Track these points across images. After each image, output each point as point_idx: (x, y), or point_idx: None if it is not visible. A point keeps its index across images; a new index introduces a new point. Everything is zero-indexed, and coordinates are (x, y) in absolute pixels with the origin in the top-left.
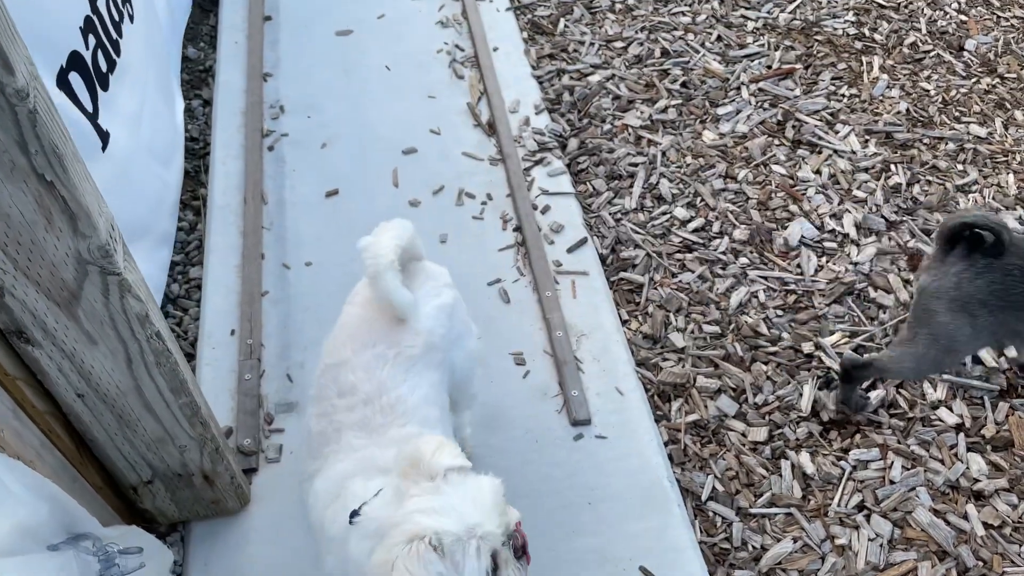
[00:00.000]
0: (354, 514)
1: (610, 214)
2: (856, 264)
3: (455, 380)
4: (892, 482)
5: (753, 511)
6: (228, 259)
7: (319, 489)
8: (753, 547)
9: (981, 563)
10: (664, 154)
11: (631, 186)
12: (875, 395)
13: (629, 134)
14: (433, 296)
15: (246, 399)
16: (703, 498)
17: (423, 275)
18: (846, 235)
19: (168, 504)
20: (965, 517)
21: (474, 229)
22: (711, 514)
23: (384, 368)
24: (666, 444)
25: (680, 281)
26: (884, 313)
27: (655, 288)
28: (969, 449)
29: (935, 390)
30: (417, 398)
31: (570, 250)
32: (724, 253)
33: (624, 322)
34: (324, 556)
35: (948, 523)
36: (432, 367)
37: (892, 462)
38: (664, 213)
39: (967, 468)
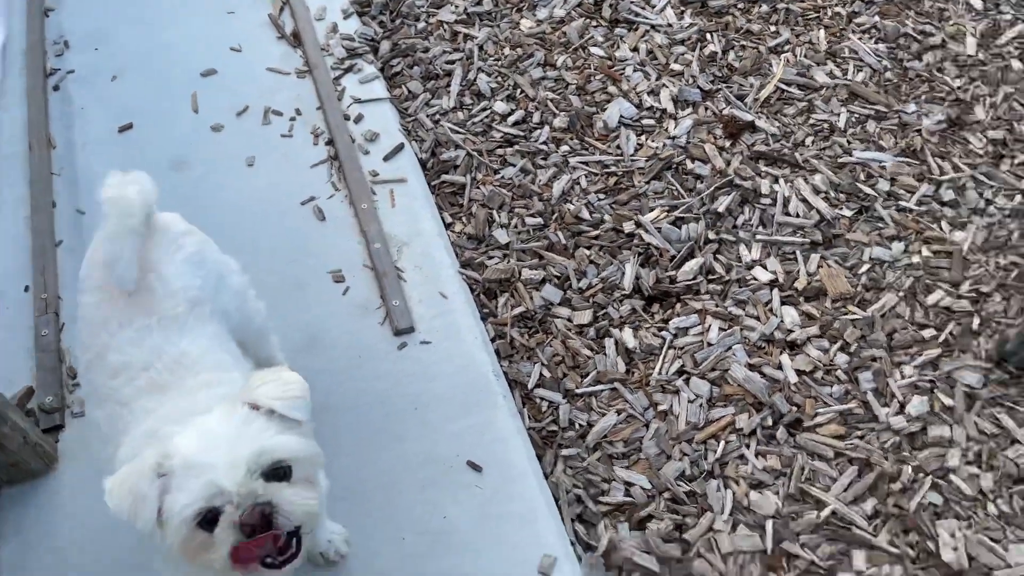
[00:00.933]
0: None
1: (428, 116)
2: (674, 138)
3: (235, 323)
4: (710, 344)
5: (579, 391)
6: (17, 212)
7: (123, 458)
8: (580, 425)
9: (795, 408)
10: (481, 48)
11: (448, 85)
12: (692, 264)
13: (444, 31)
14: (174, 251)
15: (45, 356)
16: (530, 386)
17: (157, 231)
18: (664, 110)
19: None
20: (779, 367)
21: (283, 148)
22: (538, 400)
23: (152, 336)
24: (493, 340)
25: (502, 177)
26: (701, 183)
27: (478, 187)
28: (783, 303)
29: (750, 251)
30: (200, 349)
31: (387, 158)
32: (545, 143)
33: (448, 225)
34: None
35: (763, 375)
36: (204, 320)
37: (710, 325)
38: (484, 109)
39: (781, 321)
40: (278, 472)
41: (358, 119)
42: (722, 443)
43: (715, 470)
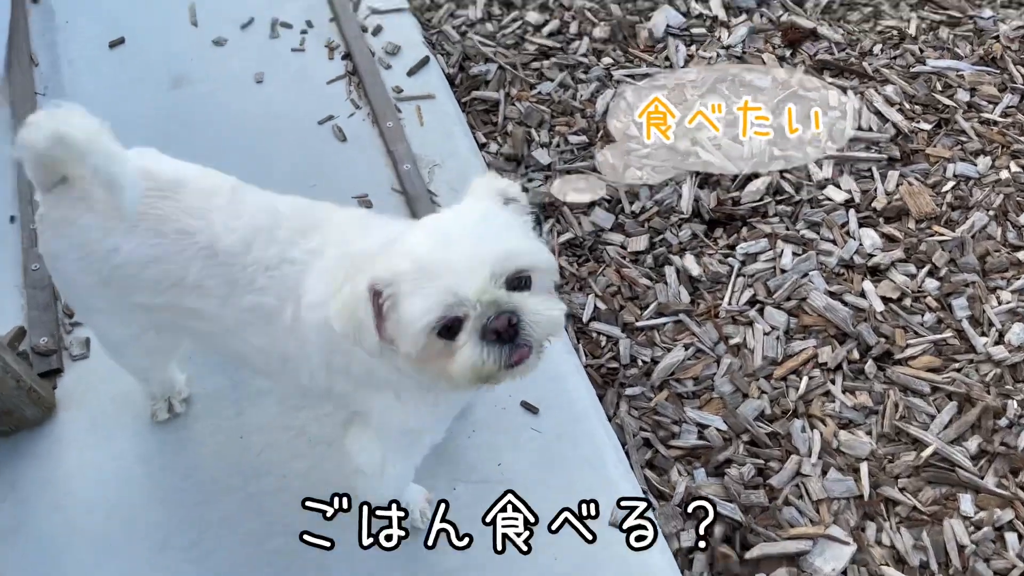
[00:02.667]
0: None
1: (454, 28)
2: (728, 48)
3: None
4: (783, 271)
5: (640, 324)
6: None
7: (317, 296)
8: (643, 361)
9: (883, 339)
10: None
11: None
12: (757, 183)
13: None
14: (126, 157)
15: (36, 293)
16: (585, 319)
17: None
18: (715, 18)
19: None
20: (862, 295)
21: (295, 63)
22: (595, 335)
23: (244, 202)
24: None
25: (539, 92)
26: (762, 96)
27: (512, 104)
28: (861, 225)
29: (820, 168)
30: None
31: (411, 73)
32: (585, 55)
33: (482, 145)
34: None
35: (845, 303)
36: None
37: (782, 250)
38: (515, 20)
39: (860, 244)
40: (519, 281)
41: (376, 31)
42: (804, 379)
43: (798, 408)
